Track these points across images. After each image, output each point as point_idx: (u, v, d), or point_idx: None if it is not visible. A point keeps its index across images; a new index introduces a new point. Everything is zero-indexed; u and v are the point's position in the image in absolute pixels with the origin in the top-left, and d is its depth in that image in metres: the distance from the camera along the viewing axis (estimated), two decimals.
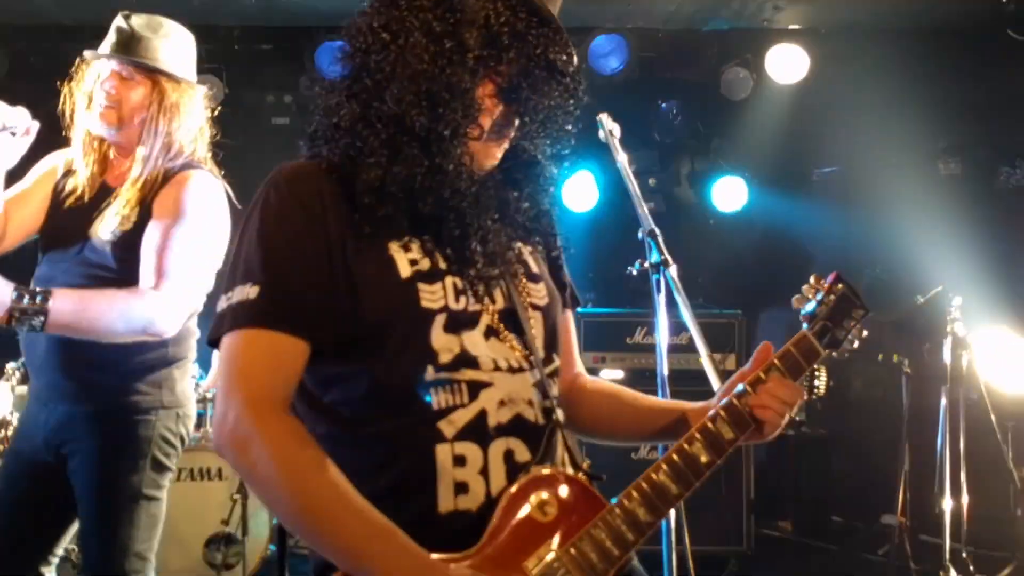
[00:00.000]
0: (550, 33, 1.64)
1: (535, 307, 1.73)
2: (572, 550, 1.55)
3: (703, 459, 1.68)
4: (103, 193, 2.79)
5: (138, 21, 2.86)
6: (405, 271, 1.57)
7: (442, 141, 1.57)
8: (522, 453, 1.59)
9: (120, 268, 2.67)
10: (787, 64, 6.24)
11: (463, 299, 1.61)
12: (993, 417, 4.91)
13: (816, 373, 5.58)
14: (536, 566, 1.53)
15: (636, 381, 4.42)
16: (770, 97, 6.39)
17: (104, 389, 2.71)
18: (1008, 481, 5.11)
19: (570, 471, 1.67)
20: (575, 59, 1.69)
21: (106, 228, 2.71)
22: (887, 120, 5.96)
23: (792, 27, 6.23)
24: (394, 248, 1.58)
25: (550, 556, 1.54)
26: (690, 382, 2.42)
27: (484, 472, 1.55)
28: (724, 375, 2.04)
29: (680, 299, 2.47)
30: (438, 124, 1.56)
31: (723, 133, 6.79)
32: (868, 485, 5.91)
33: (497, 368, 1.60)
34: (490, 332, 1.63)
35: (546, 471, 1.61)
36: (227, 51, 6.24)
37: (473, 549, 1.51)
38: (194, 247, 2.69)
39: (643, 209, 2.62)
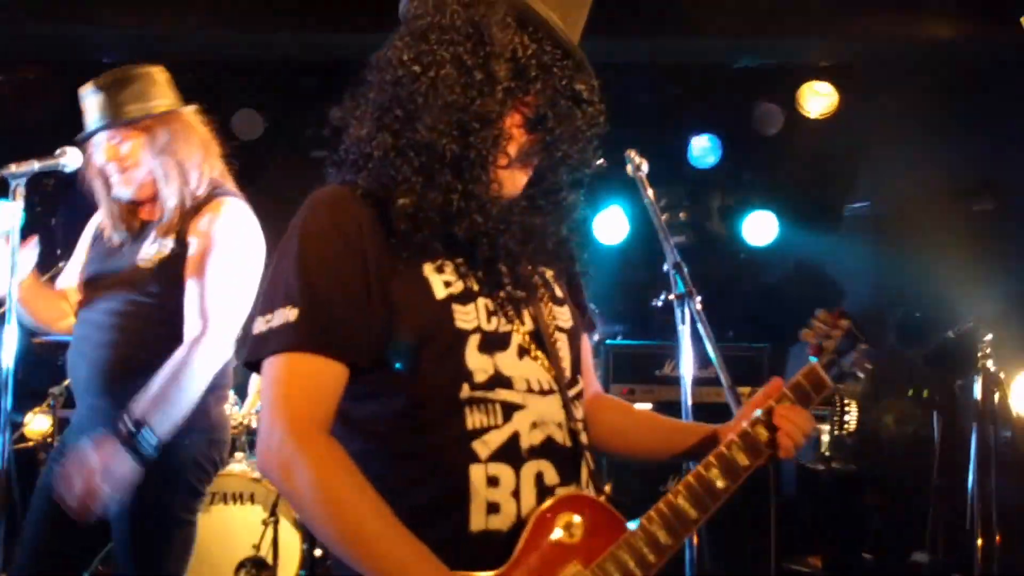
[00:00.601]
0: (574, 65, 1.72)
1: (561, 329, 1.79)
2: (597, 570, 1.60)
3: (719, 484, 1.74)
4: (143, 232, 2.91)
5: (101, 83, 2.90)
6: (440, 292, 1.63)
7: (473, 167, 1.64)
8: (551, 476, 1.64)
9: (160, 293, 2.78)
10: (818, 100, 6.28)
11: (495, 320, 1.66)
12: None
13: (846, 408, 5.59)
14: None
15: (664, 413, 4.44)
16: (801, 132, 6.41)
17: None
18: None
19: (592, 493, 1.72)
20: (597, 89, 1.76)
21: (145, 256, 2.81)
22: (919, 156, 5.97)
23: (823, 64, 6.26)
24: (428, 270, 1.64)
25: (576, 574, 1.59)
26: (716, 415, 2.45)
27: (516, 493, 1.60)
28: None
29: (704, 331, 2.52)
30: (469, 152, 1.63)
31: (754, 167, 6.82)
32: (898, 522, 5.85)
33: (529, 390, 1.66)
34: (522, 352, 1.68)
35: (573, 493, 1.66)
36: (267, 86, 6.39)
37: (502, 568, 1.55)
38: (231, 279, 2.77)
39: (669, 243, 2.68)
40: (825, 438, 6.01)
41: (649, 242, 2.71)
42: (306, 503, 1.51)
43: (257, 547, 4.26)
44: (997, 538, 4.65)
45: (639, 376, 5.08)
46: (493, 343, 1.64)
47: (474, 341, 1.62)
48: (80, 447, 2.59)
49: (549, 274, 1.84)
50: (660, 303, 2.73)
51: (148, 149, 2.86)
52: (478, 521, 1.58)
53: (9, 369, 2.68)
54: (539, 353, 1.70)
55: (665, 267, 2.67)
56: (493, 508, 1.59)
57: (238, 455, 4.61)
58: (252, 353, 1.61)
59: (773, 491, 4.93)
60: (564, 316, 1.81)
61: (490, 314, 1.66)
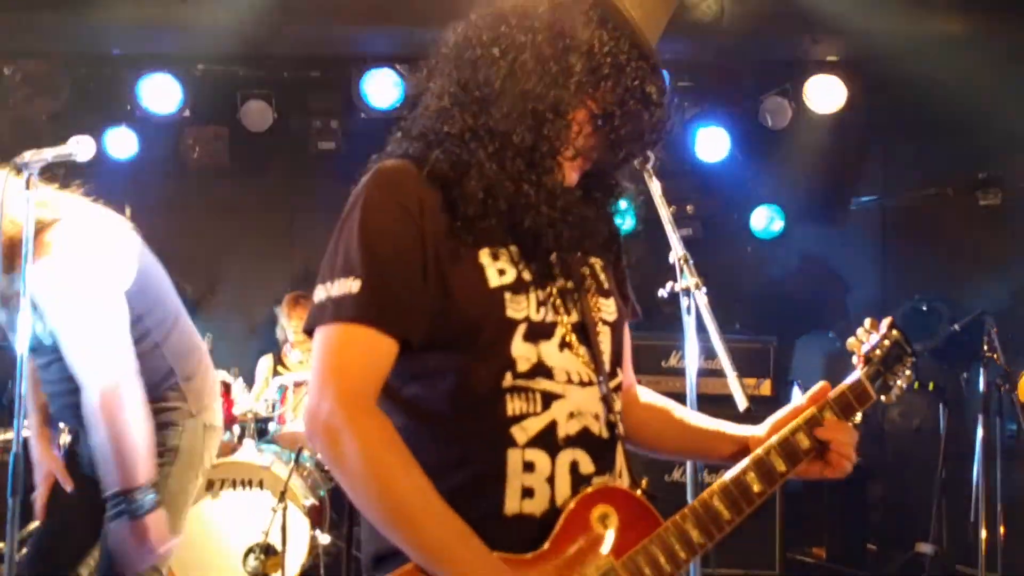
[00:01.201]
0: (647, 66, 1.73)
1: (605, 322, 1.79)
2: (628, 562, 1.63)
3: (756, 488, 1.75)
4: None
5: None
6: (494, 280, 1.63)
7: (544, 158, 1.66)
8: (586, 465, 1.66)
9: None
10: (825, 94, 6.29)
11: (543, 310, 1.67)
12: None
13: None
14: (594, 574, 1.60)
15: None
16: (809, 126, 6.43)
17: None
18: None
19: (625, 483, 1.75)
20: (667, 93, 1.77)
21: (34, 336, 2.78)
22: (925, 150, 5.99)
23: (830, 58, 6.27)
24: (484, 257, 1.64)
25: (607, 566, 1.61)
26: (722, 406, 2.47)
27: (551, 480, 1.62)
28: (755, 400, 2.09)
29: (710, 322, 2.53)
30: (541, 142, 1.65)
31: (762, 161, 6.84)
32: (903, 513, 5.87)
33: (569, 381, 1.67)
34: (564, 344, 1.69)
35: (609, 485, 1.68)
36: (276, 78, 6.43)
37: (537, 552, 1.58)
38: (85, 315, 2.74)
39: (675, 234, 2.69)
40: None
41: (654, 234, 2.71)
42: (352, 475, 1.52)
43: (266, 533, 4.29)
44: (1001, 530, 4.67)
45: (645, 367, 5.10)
46: (538, 332, 1.65)
47: (521, 330, 1.63)
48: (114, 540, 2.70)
49: (598, 265, 1.84)
50: (665, 294, 2.74)
51: None
52: (512, 504, 1.60)
53: (24, 356, 2.71)
54: (581, 345, 1.72)
55: (671, 259, 2.68)
56: (528, 493, 1.61)
57: (247, 442, 4.65)
58: (312, 321, 1.61)
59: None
60: (609, 309, 1.81)
61: (539, 304, 1.67)
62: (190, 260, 6.78)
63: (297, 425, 5.13)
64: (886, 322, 1.93)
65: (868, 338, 1.91)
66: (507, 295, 1.63)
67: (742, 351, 5.02)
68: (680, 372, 5.16)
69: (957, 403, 5.22)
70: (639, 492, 1.72)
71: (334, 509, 5.01)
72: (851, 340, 1.92)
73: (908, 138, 6.11)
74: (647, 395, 2.07)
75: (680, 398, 2.63)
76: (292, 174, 6.80)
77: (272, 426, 5.24)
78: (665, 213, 2.75)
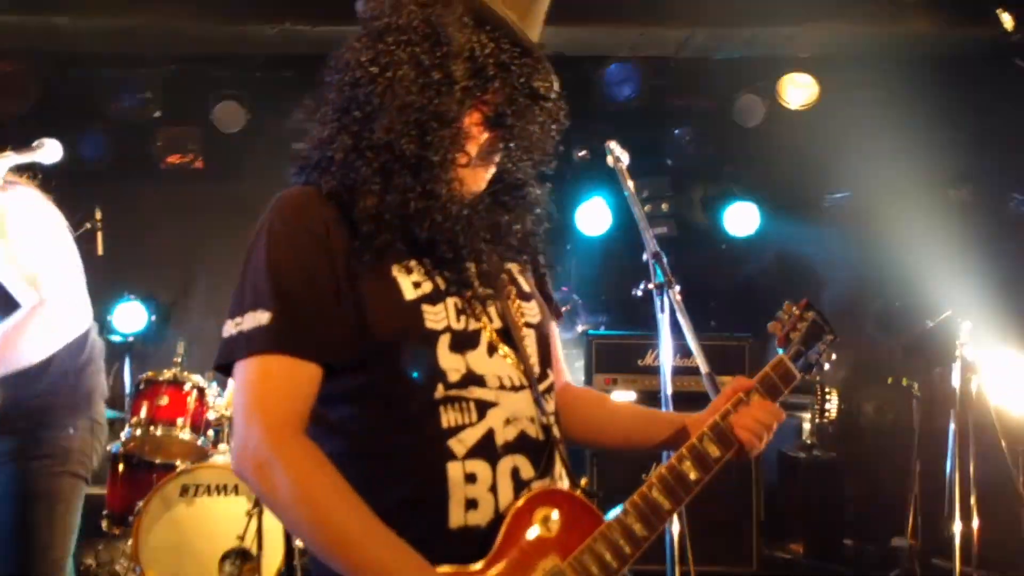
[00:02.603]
0: (532, 62, 1.73)
1: (528, 325, 1.80)
2: (575, 563, 1.62)
3: (692, 476, 1.78)
4: None
5: None
6: (409, 293, 1.64)
7: (432, 168, 1.64)
8: (527, 470, 1.66)
9: None
10: (799, 91, 6.33)
11: (463, 319, 1.67)
12: (1003, 441, 4.93)
13: (827, 397, 5.63)
14: None
15: (647, 403, 4.42)
16: (782, 123, 6.47)
17: (20, 406, 2.81)
18: (1018, 505, 5.10)
19: (566, 485, 1.74)
20: (556, 84, 1.77)
21: None
22: (898, 147, 6.02)
23: (803, 55, 6.30)
24: (397, 271, 1.64)
25: (554, 569, 1.61)
26: (697, 403, 2.47)
27: (493, 489, 1.62)
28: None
29: (682, 319, 2.54)
30: (428, 151, 1.64)
31: (735, 159, 6.86)
32: (879, 508, 5.92)
33: (502, 386, 1.67)
34: (491, 350, 1.69)
35: (549, 487, 1.68)
36: (249, 78, 6.38)
37: (481, 563, 1.57)
38: (41, 252, 2.79)
39: (648, 233, 2.70)
40: (806, 426, 6.07)
41: (631, 233, 2.72)
42: (284, 505, 1.51)
43: (241, 538, 4.26)
44: (976, 523, 4.72)
45: (621, 366, 5.11)
46: (463, 342, 1.66)
47: (445, 341, 1.64)
48: None
49: (516, 269, 1.85)
50: (640, 292, 2.75)
51: None
52: (457, 517, 1.60)
53: None
54: (508, 350, 1.72)
55: (645, 257, 2.69)
56: (471, 504, 1.60)
57: (221, 447, 4.62)
58: (223, 356, 1.59)
59: (755, 480, 5.01)
60: (532, 312, 1.82)
61: (459, 312, 1.67)
62: (163, 263, 6.73)
63: None
64: (801, 303, 2.01)
65: (787, 320, 1.99)
66: (424, 307, 1.64)
67: (717, 349, 5.03)
68: (656, 371, 5.16)
69: (930, 398, 5.26)
70: (579, 492, 1.72)
71: None
72: (771, 324, 2.00)
73: (881, 134, 6.14)
74: (582, 390, 2.11)
75: (656, 396, 2.64)
76: (266, 175, 6.74)
77: None
78: (638, 212, 2.76)
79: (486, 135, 1.73)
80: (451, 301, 1.67)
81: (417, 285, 1.65)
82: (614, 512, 1.70)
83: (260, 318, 1.55)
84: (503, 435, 1.64)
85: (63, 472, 2.87)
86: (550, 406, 1.76)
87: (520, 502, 1.62)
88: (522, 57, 1.72)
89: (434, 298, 1.65)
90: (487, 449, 1.62)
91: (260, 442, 1.50)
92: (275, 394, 1.54)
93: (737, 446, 1.83)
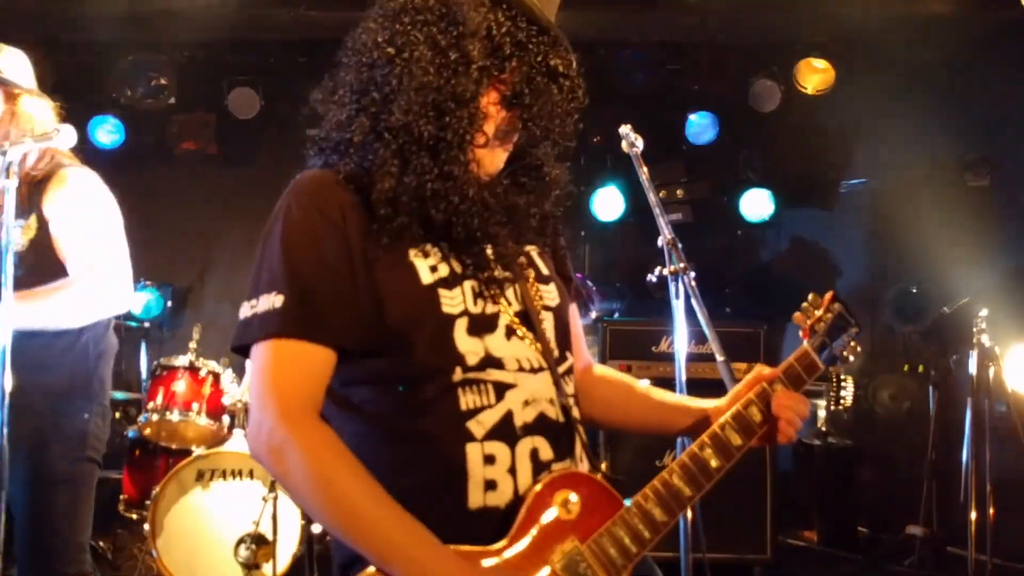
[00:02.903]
0: (549, 40, 1.72)
1: (547, 308, 1.80)
2: (593, 546, 1.63)
3: (713, 464, 1.79)
4: None
5: None
6: (426, 278, 1.64)
7: (450, 149, 1.64)
8: (546, 451, 1.66)
9: (36, 271, 2.80)
10: (815, 76, 6.27)
11: (480, 302, 1.68)
12: (1020, 429, 4.90)
13: (842, 384, 5.61)
14: (560, 560, 1.61)
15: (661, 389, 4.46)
16: (798, 109, 6.41)
17: (40, 389, 2.81)
18: None
19: (585, 467, 1.74)
20: (574, 63, 1.76)
21: (12, 240, 2.74)
22: (915, 132, 5.98)
23: (820, 39, 6.25)
24: (414, 255, 1.65)
25: (573, 551, 1.62)
26: (712, 390, 2.47)
27: (512, 471, 1.63)
28: None
29: (697, 306, 2.53)
30: (445, 133, 1.64)
31: (751, 144, 6.82)
32: (894, 496, 5.90)
33: (521, 369, 1.67)
34: (509, 332, 1.69)
35: (569, 470, 1.68)
36: (263, 64, 6.38)
37: (501, 543, 1.59)
38: (99, 238, 2.86)
39: (663, 218, 2.69)
40: (821, 413, 6.05)
41: (646, 219, 2.71)
42: (300, 487, 1.53)
43: (257, 523, 4.28)
44: (991, 511, 4.69)
45: (636, 353, 5.10)
46: (481, 325, 1.66)
47: (462, 324, 1.64)
48: None
49: (535, 251, 1.85)
50: (654, 279, 2.74)
51: (7, 112, 2.89)
52: (476, 498, 1.60)
53: (5, 347, 2.68)
54: (527, 333, 1.72)
55: (659, 243, 2.68)
56: (490, 485, 1.61)
57: (237, 432, 4.63)
58: (239, 338, 1.61)
59: (770, 468, 4.99)
60: (550, 294, 1.82)
61: (476, 296, 1.67)
62: (178, 249, 6.76)
63: None
64: (828, 296, 2.01)
65: (812, 312, 1.98)
66: (441, 291, 1.64)
67: (732, 335, 5.01)
68: (670, 357, 5.14)
69: (947, 385, 5.23)
70: (599, 475, 1.72)
71: None
72: (796, 315, 1.99)
73: (898, 119, 6.09)
74: (605, 372, 2.10)
75: (670, 383, 2.63)
76: (280, 161, 6.75)
77: None
78: (653, 198, 2.75)
79: (504, 114, 1.73)
80: (468, 284, 1.67)
81: (434, 269, 1.65)
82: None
83: (275, 301, 1.56)
84: (522, 416, 1.65)
85: (82, 457, 2.89)
86: (569, 388, 1.77)
87: (540, 484, 1.63)
88: (539, 35, 1.71)
89: (451, 282, 1.65)
90: (506, 431, 1.63)
91: (275, 425, 1.52)
92: (289, 378, 1.55)
93: (758, 434, 1.84)
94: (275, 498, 4.23)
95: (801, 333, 1.97)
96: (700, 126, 6.49)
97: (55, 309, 2.76)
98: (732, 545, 4.82)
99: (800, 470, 6.05)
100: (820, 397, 5.82)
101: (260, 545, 4.32)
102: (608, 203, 6.44)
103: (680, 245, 2.64)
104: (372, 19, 1.73)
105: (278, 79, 6.41)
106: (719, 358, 2.41)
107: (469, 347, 1.63)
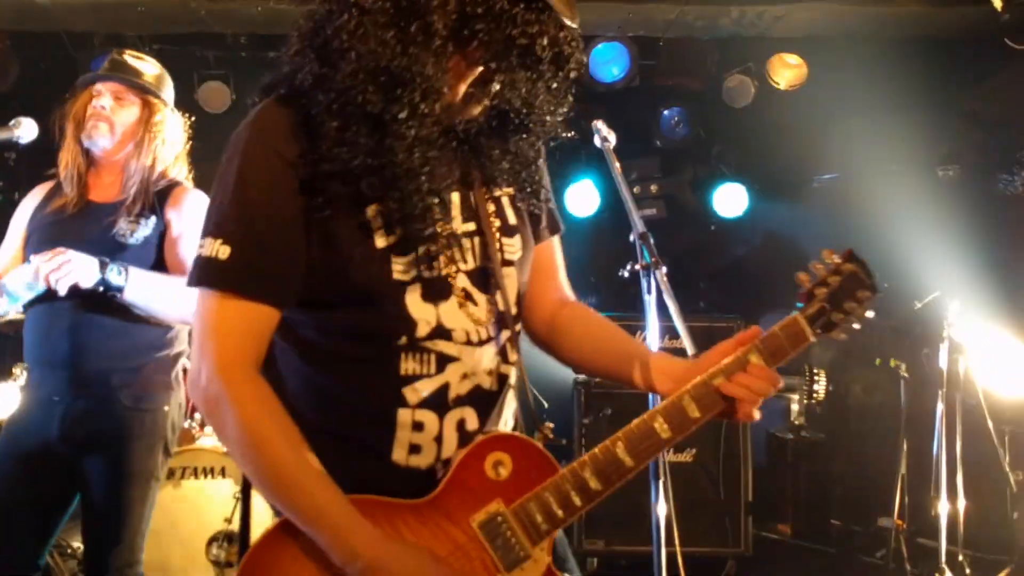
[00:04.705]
0: (534, 9, 1.53)
1: (508, 263, 1.73)
2: (518, 508, 1.62)
3: (664, 435, 1.66)
4: (92, 210, 2.96)
5: (127, 54, 3.10)
6: (380, 240, 1.57)
7: (394, 123, 1.51)
8: (472, 422, 1.66)
9: (132, 264, 2.86)
10: (788, 71, 6.30)
11: (436, 265, 1.61)
12: (990, 422, 4.95)
13: (816, 378, 5.64)
14: (481, 518, 1.60)
15: None
16: (771, 104, 6.44)
17: (125, 383, 2.90)
18: (1004, 485, 5.13)
19: (510, 430, 1.72)
20: (569, 38, 1.60)
21: (125, 232, 2.91)
22: (886, 127, 6.01)
23: (793, 35, 6.27)
24: (372, 212, 1.56)
25: (496, 511, 1.61)
26: None
27: (438, 439, 1.63)
28: None
29: (669, 300, 2.53)
30: (391, 107, 1.50)
31: (724, 139, 6.84)
32: (866, 489, 5.94)
33: (468, 342, 1.64)
34: (465, 297, 1.65)
35: (505, 433, 1.67)
36: (234, 58, 6.31)
37: (424, 498, 1.59)
38: None
39: (635, 214, 2.69)
40: (795, 407, 6.08)
41: (620, 214, 2.70)
42: (231, 440, 1.52)
43: (229, 520, 4.25)
44: (962, 503, 4.73)
45: None
46: (435, 291, 1.61)
47: (415, 290, 1.59)
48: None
49: (506, 197, 1.75)
50: (626, 274, 2.73)
51: (143, 120, 3.03)
52: (399, 458, 1.61)
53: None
54: (480, 295, 1.67)
55: (632, 238, 2.68)
56: (415, 449, 1.62)
57: (208, 429, 4.59)
58: (191, 279, 1.56)
59: (743, 461, 5.00)
60: (512, 247, 1.73)
61: (431, 258, 1.60)
62: None
63: None
64: (844, 253, 1.74)
65: (821, 272, 1.72)
66: (394, 257, 1.57)
67: (706, 329, 5.02)
68: None
69: (918, 379, 5.27)
70: (539, 439, 1.69)
71: None
72: (800, 274, 1.73)
73: (869, 114, 6.13)
74: (573, 313, 1.94)
75: None
76: None
77: None
78: (625, 193, 2.75)
79: (474, 73, 1.59)
80: (422, 248, 1.59)
81: (389, 230, 1.56)
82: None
83: (220, 250, 1.51)
84: (456, 389, 1.64)
85: (158, 450, 2.98)
86: (513, 354, 1.72)
87: (475, 443, 1.62)
88: (523, 3, 1.52)
89: (404, 247, 1.57)
90: (439, 402, 1.62)
91: (211, 377, 1.51)
92: (228, 332, 1.52)
93: (719, 410, 1.68)
94: (246, 496, 4.20)
95: (797, 296, 1.72)
96: (607, 55, 6.26)
97: (169, 292, 2.84)
98: (706, 539, 4.84)
99: (774, 464, 6.08)
100: (794, 391, 5.85)
101: (232, 543, 4.29)
102: (582, 199, 6.43)
103: (652, 240, 2.64)
104: None
105: (248, 73, 6.35)
106: (690, 352, 2.41)
107: (421, 314, 1.59)
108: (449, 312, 1.63)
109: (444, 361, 1.62)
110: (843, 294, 1.71)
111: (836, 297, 1.71)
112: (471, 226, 1.68)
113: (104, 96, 3.00)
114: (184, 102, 6.26)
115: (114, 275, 2.74)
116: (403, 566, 1.49)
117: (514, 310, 1.72)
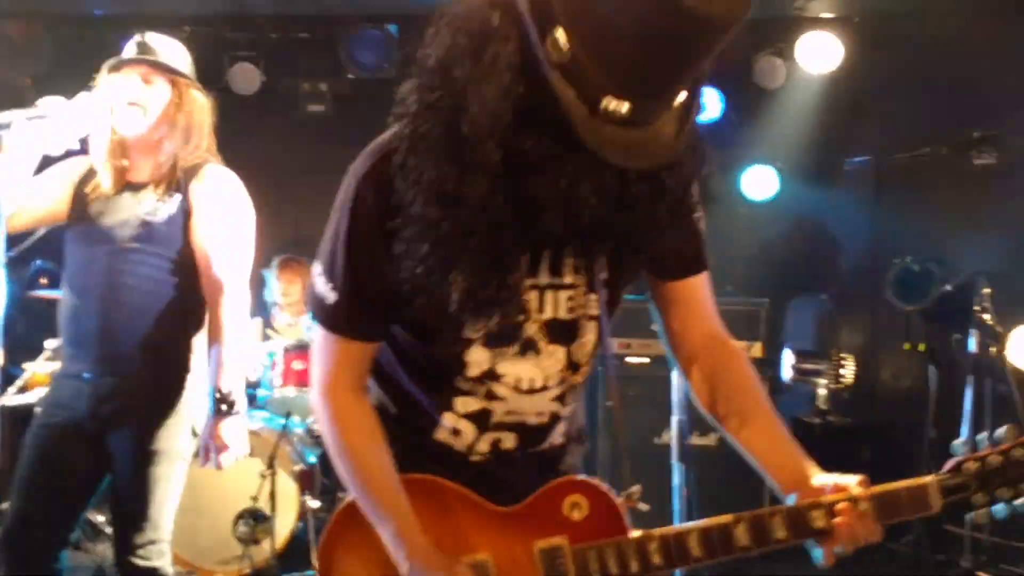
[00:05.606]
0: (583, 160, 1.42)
1: (590, 317, 1.74)
2: (579, 550, 1.69)
3: (741, 543, 1.61)
4: (125, 191, 3.03)
5: (151, 36, 3.13)
6: (452, 304, 1.56)
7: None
8: (508, 443, 1.79)
9: (166, 246, 2.99)
10: (820, 53, 6.22)
11: (509, 318, 1.66)
12: (1020, 408, 4.89)
13: (843, 362, 5.59)
14: (543, 546, 1.70)
15: (659, 367, 4.45)
16: (802, 86, 6.37)
17: (155, 360, 2.96)
18: None
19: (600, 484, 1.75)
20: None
21: (149, 211, 2.96)
22: (920, 110, 5.93)
23: (824, 15, 6.19)
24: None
25: (557, 545, 1.70)
26: None
27: (470, 448, 1.80)
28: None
29: None
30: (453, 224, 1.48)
31: (755, 122, 6.77)
32: (892, 474, 5.86)
33: (517, 388, 1.74)
34: (527, 347, 1.72)
35: (591, 481, 1.74)
36: (263, 39, 6.34)
37: (505, 509, 1.73)
38: (235, 238, 3.06)
39: None
40: (822, 392, 6.03)
41: None
42: (328, 445, 1.78)
43: (255, 499, 4.30)
44: None
45: (636, 330, 5.09)
46: (499, 339, 1.69)
47: (479, 341, 1.69)
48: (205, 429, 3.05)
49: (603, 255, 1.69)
50: None
51: (174, 101, 3.06)
52: (441, 437, 1.80)
53: None
54: (548, 345, 1.73)
55: None
56: (455, 433, 1.79)
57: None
58: (310, 310, 1.80)
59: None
60: (596, 302, 1.71)
61: (503, 315, 1.61)
62: None
63: (287, 391, 5.12)
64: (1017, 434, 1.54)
65: (987, 450, 1.52)
66: (466, 317, 1.58)
67: (734, 313, 4.99)
68: None
69: (948, 364, 5.21)
70: (621, 501, 1.71)
71: (325, 474, 5.01)
72: (956, 442, 1.59)
73: (903, 97, 6.04)
74: (726, 362, 1.85)
75: (669, 361, 2.62)
76: (281, 137, 6.73)
77: (261, 392, 5.23)
78: None
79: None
80: (496, 311, 1.59)
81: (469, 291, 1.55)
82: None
83: (329, 296, 1.69)
84: (499, 417, 1.76)
85: (185, 430, 3.03)
86: (568, 406, 1.83)
87: (560, 480, 1.74)
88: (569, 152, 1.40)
89: (478, 307, 1.57)
90: (481, 420, 1.76)
91: (317, 396, 1.77)
92: (331, 362, 1.75)
93: (808, 538, 1.61)
94: (273, 474, 4.25)
95: (946, 462, 1.57)
96: (704, 102, 6.39)
97: (245, 348, 3.08)
98: None
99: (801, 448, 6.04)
100: (821, 376, 5.80)
101: (258, 521, 4.35)
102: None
103: None
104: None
105: (279, 54, 6.37)
106: None
107: (475, 359, 1.71)
108: (505, 359, 1.71)
109: (492, 396, 1.75)
110: (997, 478, 1.54)
111: (986, 479, 1.54)
112: (557, 279, 1.70)
113: (133, 79, 3.03)
114: (214, 84, 6.35)
115: (239, 401, 3.04)
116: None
117: (584, 363, 1.78)
